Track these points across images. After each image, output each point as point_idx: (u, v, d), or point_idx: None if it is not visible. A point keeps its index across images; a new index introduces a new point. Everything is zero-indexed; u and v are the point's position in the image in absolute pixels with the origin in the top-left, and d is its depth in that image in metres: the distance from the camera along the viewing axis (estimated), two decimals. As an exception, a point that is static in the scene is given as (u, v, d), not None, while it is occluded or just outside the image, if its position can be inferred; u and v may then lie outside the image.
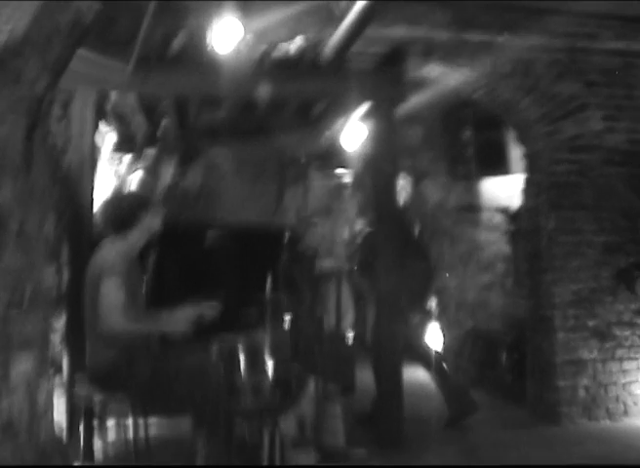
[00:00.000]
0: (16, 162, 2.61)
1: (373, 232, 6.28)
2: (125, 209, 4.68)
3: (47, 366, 3.12)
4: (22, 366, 2.66)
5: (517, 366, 7.19)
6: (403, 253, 5.93)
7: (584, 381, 6.54)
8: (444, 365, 6.47)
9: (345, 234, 8.90)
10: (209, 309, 4.68)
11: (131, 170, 8.42)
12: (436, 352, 6.61)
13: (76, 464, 4.75)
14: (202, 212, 6.97)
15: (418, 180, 9.25)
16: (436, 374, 6.43)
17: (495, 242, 8.37)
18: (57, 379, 5.29)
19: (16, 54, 2.47)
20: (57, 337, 5.36)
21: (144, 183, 5.28)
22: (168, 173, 9.49)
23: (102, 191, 6.35)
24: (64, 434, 4.56)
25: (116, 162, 8.35)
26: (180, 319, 4.47)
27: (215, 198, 7.08)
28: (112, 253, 4.52)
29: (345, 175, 10.13)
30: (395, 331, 5.79)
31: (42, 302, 2.91)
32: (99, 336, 4.44)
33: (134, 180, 6.06)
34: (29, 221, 2.71)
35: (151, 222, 4.75)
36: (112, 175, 8.26)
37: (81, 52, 4.62)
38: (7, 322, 2.48)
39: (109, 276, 4.36)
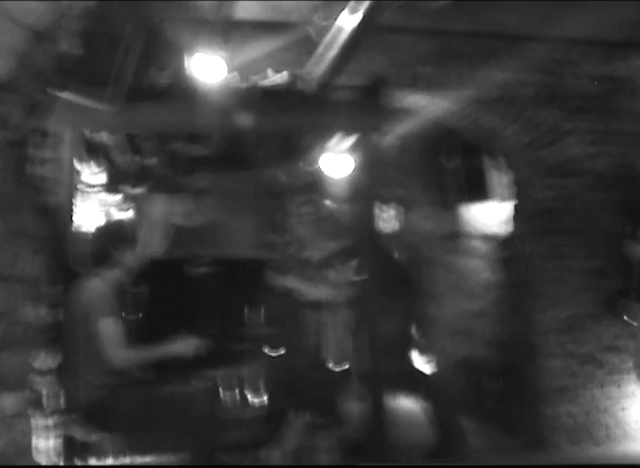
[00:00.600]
0: (3, 205, 2.63)
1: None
2: (97, 247, 4.71)
3: (25, 406, 3.12)
4: (9, 407, 2.67)
5: (503, 392, 7.20)
6: (386, 283, 5.97)
7: (568, 407, 6.56)
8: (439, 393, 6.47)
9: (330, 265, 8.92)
10: (189, 347, 4.70)
11: (121, 209, 8.43)
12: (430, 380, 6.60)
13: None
14: (189, 247, 6.97)
15: (408, 209, 9.30)
16: (430, 403, 6.43)
17: (483, 270, 8.39)
18: (38, 420, 5.26)
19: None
20: (38, 377, 5.34)
21: (128, 222, 5.29)
22: (157, 210, 9.52)
23: (89, 230, 6.36)
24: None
25: (106, 202, 8.36)
26: (182, 345, 4.52)
27: (202, 232, 7.08)
28: (94, 295, 4.54)
29: (331, 206, 10.15)
30: (382, 360, 5.79)
31: (28, 344, 2.93)
32: (91, 373, 4.46)
33: (119, 220, 6.05)
34: (19, 264, 2.73)
35: (127, 261, 4.78)
36: (103, 215, 8.27)
37: (66, 95, 4.70)
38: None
39: (102, 317, 4.41)
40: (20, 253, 2.77)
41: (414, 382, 6.55)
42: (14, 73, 2.50)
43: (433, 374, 6.41)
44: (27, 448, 3.19)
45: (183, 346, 4.54)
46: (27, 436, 3.19)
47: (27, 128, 2.85)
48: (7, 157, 2.68)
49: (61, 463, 5.14)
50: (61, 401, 4.73)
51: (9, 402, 2.66)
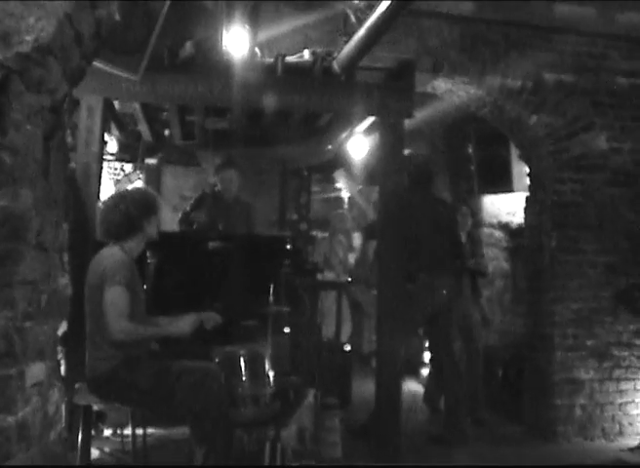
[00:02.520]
0: (33, 171, 2.59)
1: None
2: (122, 217, 4.64)
3: (57, 376, 3.10)
4: (36, 376, 2.64)
5: (514, 383, 7.18)
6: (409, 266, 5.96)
7: (581, 400, 6.56)
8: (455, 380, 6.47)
9: (345, 247, 8.92)
10: (210, 319, 4.67)
11: (131, 179, 8.42)
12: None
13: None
14: (206, 222, 6.94)
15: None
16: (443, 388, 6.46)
17: (494, 258, 8.39)
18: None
19: (38, 64, 2.45)
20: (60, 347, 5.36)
21: (151, 191, 5.25)
22: (169, 182, 9.52)
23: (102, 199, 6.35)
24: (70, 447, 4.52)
25: (117, 170, 8.36)
26: (182, 324, 4.46)
27: (217, 208, 7.05)
28: (111, 261, 4.49)
29: (347, 188, 10.16)
30: (395, 343, 5.77)
31: (56, 313, 2.90)
32: (99, 344, 4.43)
33: (142, 188, 6.02)
34: (46, 231, 2.69)
35: (152, 230, 4.73)
36: (112, 183, 8.27)
37: (96, 62, 4.65)
38: (22, 333, 2.47)
39: (112, 284, 4.34)
40: (48, 220, 2.73)
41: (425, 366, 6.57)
42: (54, 36, 2.45)
43: (446, 361, 6.37)
44: (59, 421, 3.15)
45: (183, 325, 4.47)
46: (59, 408, 3.15)
47: (63, 94, 2.79)
48: (41, 122, 2.63)
49: (67, 431, 5.16)
50: (79, 371, 4.71)
51: (36, 370, 2.62)
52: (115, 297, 4.34)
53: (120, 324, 4.29)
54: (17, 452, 2.40)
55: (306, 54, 5.79)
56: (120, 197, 4.82)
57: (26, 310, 2.48)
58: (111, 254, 4.56)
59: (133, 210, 4.66)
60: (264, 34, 5.73)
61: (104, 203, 4.84)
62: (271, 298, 5.27)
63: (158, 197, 5.00)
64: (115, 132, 7.76)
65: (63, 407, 3.65)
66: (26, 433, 2.51)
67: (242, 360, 4.88)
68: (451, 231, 6.58)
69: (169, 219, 8.82)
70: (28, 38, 2.39)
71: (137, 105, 6.67)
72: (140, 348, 4.52)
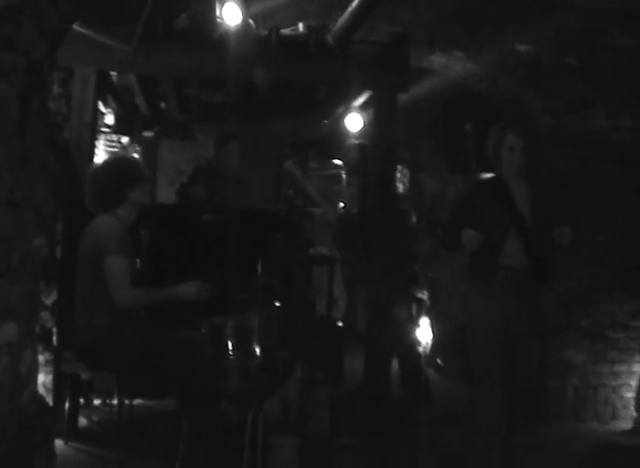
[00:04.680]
0: (8, 130, 2.58)
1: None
2: (112, 184, 4.63)
3: (32, 338, 3.09)
4: (7, 336, 2.63)
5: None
6: (397, 242, 5.94)
7: (574, 381, 6.52)
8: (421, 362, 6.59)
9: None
10: (204, 291, 4.66)
11: (128, 151, 8.40)
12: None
13: (59, 440, 4.72)
14: (201, 195, 6.93)
15: (416, 172, 9.24)
16: (408, 361, 6.53)
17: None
18: (45, 355, 5.29)
19: (8, 21, 2.43)
20: (47, 314, 5.36)
21: (139, 161, 5.26)
22: (166, 156, 9.50)
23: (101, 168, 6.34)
24: (48, 409, 4.52)
25: (113, 143, 8.33)
26: (187, 288, 4.46)
27: (215, 182, 7.04)
28: (106, 229, 4.49)
29: (342, 163, 10.12)
30: (387, 318, 5.77)
31: (29, 273, 2.89)
32: (89, 312, 4.43)
33: (131, 157, 6.00)
34: (19, 190, 2.68)
35: (138, 198, 4.71)
36: (108, 155, 8.25)
37: (82, 30, 4.64)
38: (-9, 291, 2.46)
39: (112, 253, 4.35)
40: (23, 179, 2.71)
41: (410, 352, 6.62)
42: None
43: (436, 338, 6.41)
44: (32, 382, 3.16)
45: (188, 289, 4.47)
46: (33, 369, 3.15)
47: (40, 55, 2.77)
48: (15, 82, 2.61)
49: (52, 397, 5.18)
50: (69, 339, 4.72)
51: (7, 330, 2.61)
52: (116, 266, 4.36)
53: (126, 292, 4.34)
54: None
55: (301, 26, 5.75)
56: (101, 167, 4.82)
57: (-1, 267, 2.48)
58: (105, 223, 4.55)
59: (112, 179, 4.65)
60: (258, 6, 5.70)
61: (89, 173, 4.83)
62: (261, 271, 5.26)
63: (140, 164, 4.97)
64: (112, 104, 7.72)
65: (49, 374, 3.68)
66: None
67: (229, 331, 4.88)
68: None
69: (165, 192, 8.83)
70: (-1, -4, 2.38)
71: (133, 78, 6.65)
72: (129, 316, 4.52)
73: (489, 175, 5.03)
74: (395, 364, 6.68)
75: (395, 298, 6.10)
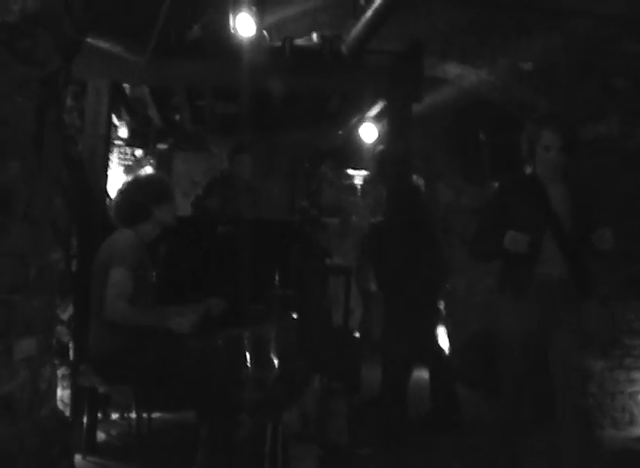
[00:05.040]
0: (24, 143, 2.58)
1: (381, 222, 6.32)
2: (138, 202, 4.64)
3: (51, 353, 3.09)
4: (25, 351, 2.62)
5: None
6: (419, 252, 5.91)
7: (591, 389, 6.47)
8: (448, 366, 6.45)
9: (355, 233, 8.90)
10: (215, 307, 4.65)
11: (142, 164, 8.42)
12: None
13: (77, 455, 4.70)
14: (216, 206, 6.94)
15: (431, 181, 9.22)
16: (438, 373, 6.40)
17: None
18: (62, 369, 5.29)
19: (25, 34, 2.43)
20: (64, 328, 5.37)
21: (166, 177, 5.30)
22: (180, 168, 9.51)
23: (113, 184, 6.36)
24: (68, 424, 4.51)
25: (127, 156, 8.36)
26: (184, 320, 4.41)
27: (229, 193, 7.05)
28: (121, 243, 4.49)
29: (358, 174, 10.12)
30: (404, 328, 5.75)
31: (47, 288, 2.88)
32: (104, 326, 4.41)
33: (158, 174, 6.00)
34: (36, 204, 2.67)
35: (163, 216, 4.71)
36: (123, 168, 8.27)
37: (96, 43, 4.65)
38: (10, 306, 2.45)
39: (118, 265, 4.34)
40: (39, 193, 2.70)
41: (439, 353, 6.54)
42: (42, 6, 2.43)
43: (452, 347, 6.35)
44: (52, 397, 3.15)
45: (181, 323, 4.41)
46: (53, 383, 3.14)
47: (56, 67, 2.77)
48: (31, 94, 2.61)
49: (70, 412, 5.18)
50: (85, 352, 4.71)
51: (25, 345, 2.60)
52: (118, 278, 4.33)
53: (117, 305, 4.28)
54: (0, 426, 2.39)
55: (315, 37, 5.75)
56: (130, 183, 4.83)
57: (13, 283, 2.46)
58: (123, 237, 4.55)
59: (140, 196, 4.67)
60: (272, 17, 5.72)
61: (118, 189, 4.84)
62: (277, 282, 5.25)
63: (168, 183, 4.99)
64: (126, 117, 7.75)
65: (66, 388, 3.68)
66: (12, 407, 2.49)
67: (247, 343, 4.87)
68: None
69: (180, 205, 8.83)
70: (15, 7, 2.37)
71: (146, 90, 6.66)
72: (144, 329, 4.50)
73: (521, 173, 4.69)
74: (421, 374, 6.68)
75: (422, 306, 6.09)
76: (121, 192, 4.77)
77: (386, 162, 6.22)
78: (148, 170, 8.14)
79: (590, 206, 4.50)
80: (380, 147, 6.71)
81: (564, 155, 4.28)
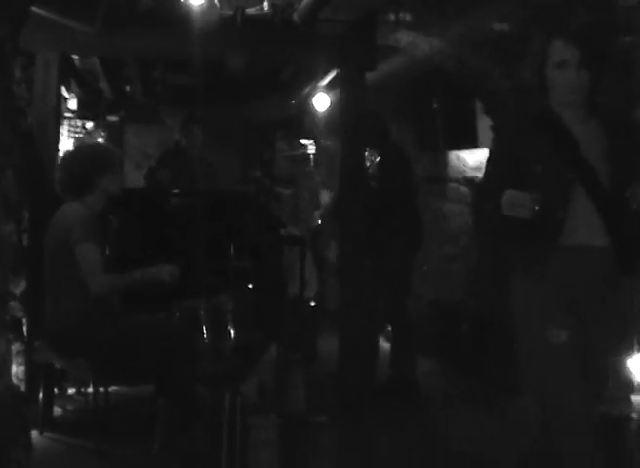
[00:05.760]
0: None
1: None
2: (81, 172, 4.58)
3: (5, 328, 3.04)
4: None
5: (479, 339, 7.14)
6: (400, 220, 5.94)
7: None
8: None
9: (309, 202, 8.88)
10: (169, 274, 4.62)
11: (93, 136, 8.32)
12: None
13: (34, 431, 4.66)
14: (168, 178, 6.89)
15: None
16: (401, 342, 6.41)
17: (460, 214, 8.34)
18: (17, 345, 5.23)
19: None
20: (16, 303, 5.30)
21: (111, 147, 5.24)
22: (132, 140, 9.42)
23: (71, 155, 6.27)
24: (24, 399, 4.48)
25: (78, 128, 8.24)
26: (162, 270, 4.43)
27: (182, 165, 7.00)
28: (75, 216, 4.44)
29: (311, 144, 10.09)
30: (358, 297, 5.76)
31: (-1, 261, 2.84)
32: (58, 300, 4.39)
33: (103, 144, 5.93)
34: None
35: (108, 186, 4.66)
36: (73, 141, 8.16)
37: (44, 13, 4.56)
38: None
39: (82, 241, 4.32)
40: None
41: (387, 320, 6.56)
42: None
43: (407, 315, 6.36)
44: (6, 372, 3.10)
45: (161, 270, 4.45)
46: (6, 359, 3.10)
47: (1, 34, 2.71)
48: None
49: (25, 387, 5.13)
50: (40, 328, 4.67)
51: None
52: (88, 254, 4.36)
53: (100, 279, 4.34)
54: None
55: (266, 5, 5.69)
56: (71, 154, 4.80)
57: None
58: (73, 210, 4.51)
59: (82, 166, 4.62)
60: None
61: (60, 160, 4.79)
62: (232, 253, 5.24)
63: (112, 152, 4.93)
64: (76, 89, 7.64)
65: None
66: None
67: (203, 314, 4.86)
68: None
69: (132, 177, 8.75)
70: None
71: (96, 61, 6.57)
72: (100, 302, 4.48)
73: (533, 107, 3.39)
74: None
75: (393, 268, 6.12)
76: (62, 164, 4.73)
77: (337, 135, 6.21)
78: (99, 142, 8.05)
79: (632, 148, 3.23)
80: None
81: (587, 73, 3.05)
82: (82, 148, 4.93)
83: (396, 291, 6.32)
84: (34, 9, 3.84)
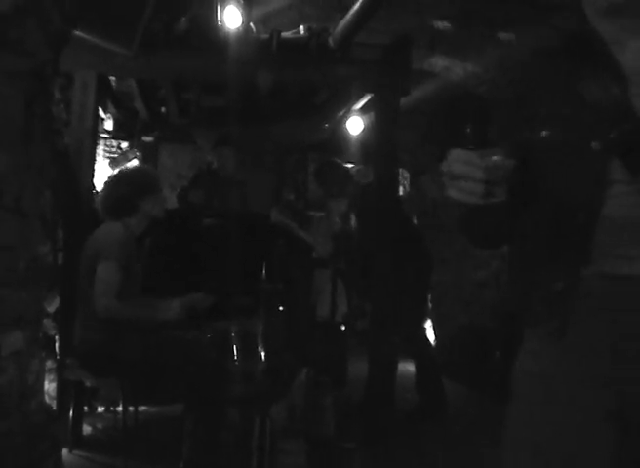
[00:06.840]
0: (13, 136, 2.55)
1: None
2: (124, 195, 4.62)
3: (39, 346, 3.07)
4: (13, 345, 2.60)
5: (510, 365, 7.08)
6: (402, 247, 5.89)
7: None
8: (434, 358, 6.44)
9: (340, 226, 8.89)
10: (201, 301, 4.62)
11: (128, 157, 8.38)
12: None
13: (64, 449, 4.68)
14: (201, 199, 6.93)
15: (416, 175, 9.21)
16: (425, 366, 6.39)
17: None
18: (48, 363, 5.26)
19: (15, 24, 2.41)
20: (49, 321, 5.34)
21: (153, 170, 5.30)
22: (166, 161, 9.48)
23: (99, 176, 6.33)
24: (55, 418, 4.50)
25: (113, 148, 8.32)
26: (172, 308, 4.41)
27: (214, 186, 7.03)
28: (109, 236, 4.46)
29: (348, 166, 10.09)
30: (391, 323, 5.74)
31: (35, 280, 2.86)
32: (90, 319, 4.39)
33: (144, 167, 5.98)
34: (25, 197, 2.65)
35: (151, 209, 4.70)
36: (109, 161, 8.24)
37: (82, 35, 4.62)
38: (-1, 299, 2.43)
39: (106, 259, 4.31)
40: (28, 186, 2.68)
41: (415, 346, 6.53)
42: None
43: (438, 340, 6.35)
44: (40, 391, 3.13)
45: (170, 307, 4.41)
46: (40, 377, 3.13)
47: (45, 58, 2.75)
48: (19, 86, 2.58)
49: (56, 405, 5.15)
50: (72, 346, 4.69)
51: (14, 339, 2.58)
52: (106, 273, 4.31)
53: (106, 301, 4.26)
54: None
55: (302, 29, 5.73)
56: (117, 176, 4.82)
57: (2, 276, 2.44)
58: (110, 230, 4.53)
59: (127, 189, 4.65)
60: (259, 10, 5.68)
61: (105, 182, 4.82)
62: (264, 276, 5.25)
63: (155, 176, 4.98)
64: (112, 109, 7.71)
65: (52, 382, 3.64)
66: (1, 403, 2.47)
67: (234, 336, 4.86)
68: None
69: (165, 198, 8.80)
70: (5, -1, 2.35)
71: (132, 82, 6.64)
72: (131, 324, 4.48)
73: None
74: (406, 367, 6.67)
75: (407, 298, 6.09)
76: (107, 185, 4.76)
77: (371, 154, 6.22)
78: (134, 162, 8.10)
79: None
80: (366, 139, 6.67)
81: None
82: (127, 171, 4.94)
83: (412, 317, 6.33)
84: (75, 32, 3.88)
